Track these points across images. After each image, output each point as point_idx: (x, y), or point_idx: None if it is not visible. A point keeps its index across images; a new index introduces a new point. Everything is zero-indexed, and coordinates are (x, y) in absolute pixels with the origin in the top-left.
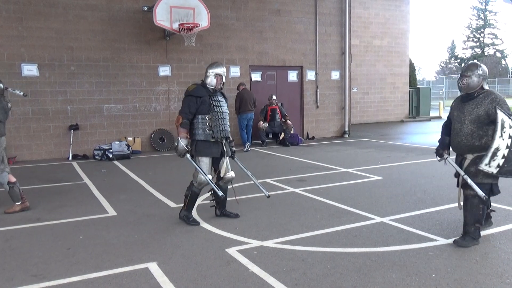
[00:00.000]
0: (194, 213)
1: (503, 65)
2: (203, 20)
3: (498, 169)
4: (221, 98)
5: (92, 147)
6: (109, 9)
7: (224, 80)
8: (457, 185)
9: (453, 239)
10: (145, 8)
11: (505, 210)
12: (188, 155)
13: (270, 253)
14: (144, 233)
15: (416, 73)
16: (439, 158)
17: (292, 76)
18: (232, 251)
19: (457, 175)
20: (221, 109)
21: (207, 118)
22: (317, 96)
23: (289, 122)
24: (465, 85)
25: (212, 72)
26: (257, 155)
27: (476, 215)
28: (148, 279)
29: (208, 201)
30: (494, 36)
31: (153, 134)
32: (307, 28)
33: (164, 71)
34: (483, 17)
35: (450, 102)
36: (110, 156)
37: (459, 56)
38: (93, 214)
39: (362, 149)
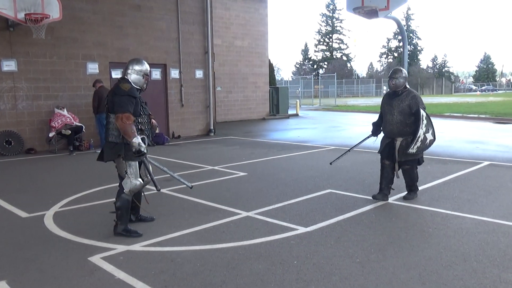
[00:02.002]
0: (51, 222)
1: (348, 68)
2: (53, 11)
3: (416, 149)
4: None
5: None
6: None
7: (149, 79)
8: (384, 158)
9: (311, 227)
10: None
11: (353, 197)
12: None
13: (137, 257)
14: None
15: (275, 73)
16: (373, 137)
17: (156, 74)
18: (96, 259)
19: (387, 154)
20: (147, 111)
21: (139, 121)
22: (181, 94)
23: (153, 121)
24: (394, 85)
25: (139, 70)
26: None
27: (414, 178)
28: None
29: (65, 208)
30: (340, 41)
31: None
32: (170, 25)
33: (9, 65)
34: (331, 24)
35: (306, 100)
36: None
37: (312, 58)
38: None
39: (228, 147)
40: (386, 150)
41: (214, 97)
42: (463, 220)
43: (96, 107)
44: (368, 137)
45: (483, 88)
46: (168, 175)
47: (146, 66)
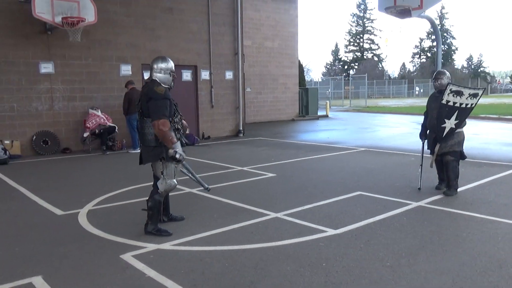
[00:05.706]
0: (84, 220)
1: (379, 68)
2: (89, 14)
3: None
4: None
5: None
6: None
7: (175, 76)
8: (431, 153)
9: (340, 229)
10: None
11: (383, 200)
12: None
13: (167, 256)
14: (27, 245)
15: (304, 74)
16: (421, 140)
17: (186, 75)
18: (127, 256)
19: (431, 146)
20: (178, 112)
21: (174, 121)
22: (211, 95)
23: (184, 122)
24: (440, 84)
25: (166, 68)
26: None
27: (455, 172)
28: None
29: (98, 207)
30: (371, 42)
31: (35, 137)
32: (201, 27)
33: (46, 68)
34: (362, 24)
35: (336, 101)
36: None
37: (342, 59)
38: None
39: (257, 148)
40: (435, 145)
41: (244, 98)
42: (499, 225)
43: (126, 109)
44: None
45: None
46: (198, 175)
47: (171, 63)
